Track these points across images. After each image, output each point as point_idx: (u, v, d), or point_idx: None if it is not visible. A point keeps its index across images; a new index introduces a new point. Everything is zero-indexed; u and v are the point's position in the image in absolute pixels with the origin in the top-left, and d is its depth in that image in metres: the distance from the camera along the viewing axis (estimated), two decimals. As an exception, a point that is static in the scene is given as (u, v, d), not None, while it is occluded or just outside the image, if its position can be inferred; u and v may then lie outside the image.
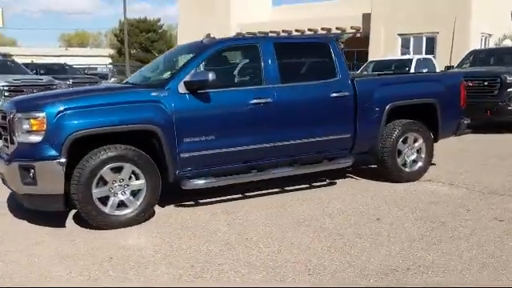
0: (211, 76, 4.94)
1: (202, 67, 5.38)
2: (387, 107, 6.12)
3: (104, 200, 4.74)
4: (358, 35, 26.47)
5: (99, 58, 49.36)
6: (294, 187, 6.13)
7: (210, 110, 5.15)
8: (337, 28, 26.27)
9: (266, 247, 4.22)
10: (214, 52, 5.41)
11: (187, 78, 5.03)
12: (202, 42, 5.68)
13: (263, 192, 5.93)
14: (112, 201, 4.76)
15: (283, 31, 28.26)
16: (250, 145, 5.36)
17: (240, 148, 5.31)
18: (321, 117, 5.78)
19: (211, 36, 5.92)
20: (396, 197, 5.76)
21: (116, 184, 4.76)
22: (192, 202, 5.60)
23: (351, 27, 26.03)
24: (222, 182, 5.36)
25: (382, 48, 24.80)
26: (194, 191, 5.47)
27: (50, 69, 20.80)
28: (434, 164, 6.97)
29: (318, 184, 6.35)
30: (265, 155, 5.52)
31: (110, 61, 49.11)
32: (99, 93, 5.34)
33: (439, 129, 6.65)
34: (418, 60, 14.54)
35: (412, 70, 13.93)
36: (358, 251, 4.12)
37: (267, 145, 5.46)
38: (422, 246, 4.21)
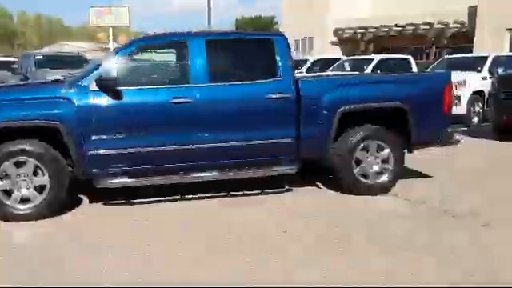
0: (115, 74, 4.87)
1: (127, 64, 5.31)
2: (338, 111, 5.52)
3: (9, 193, 4.91)
4: (464, 30, 24.28)
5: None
6: (240, 192, 5.79)
7: (121, 108, 5.07)
8: (438, 22, 24.38)
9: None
10: (134, 49, 5.31)
11: (98, 76, 5.01)
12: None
13: (199, 196, 5.70)
14: (16, 194, 4.92)
15: (382, 26, 27.00)
16: (167, 145, 5.18)
17: (157, 148, 5.16)
18: (253, 119, 5.40)
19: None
20: (337, 211, 5.21)
21: (20, 178, 4.91)
22: (122, 201, 5.56)
23: (454, 21, 23.96)
24: (138, 183, 5.26)
25: (490, 44, 22.47)
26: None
27: (67, 62, 19.29)
28: (430, 176, 6.40)
29: (271, 190, 5.94)
30: (188, 157, 5.31)
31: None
32: (15, 88, 5.54)
33: (412, 138, 5.85)
34: (496, 57, 12.82)
35: (485, 69, 12.36)
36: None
37: (189, 146, 5.24)
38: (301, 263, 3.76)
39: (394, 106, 5.74)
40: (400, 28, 26.32)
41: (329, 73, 13.80)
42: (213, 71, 5.33)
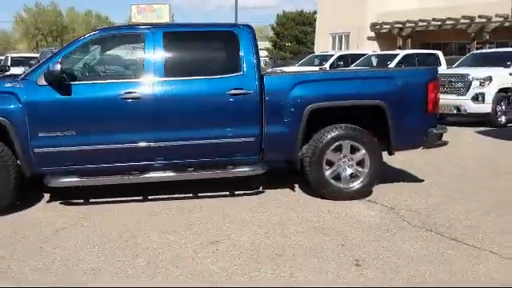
0: (62, 67, 4.64)
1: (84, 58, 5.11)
2: (307, 108, 5.09)
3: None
4: (507, 24, 22.92)
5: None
6: (207, 194, 5.49)
7: (70, 103, 4.84)
8: (479, 16, 23.11)
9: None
10: (86, 42, 5.07)
11: (46, 70, 4.80)
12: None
13: (163, 197, 5.42)
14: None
15: (420, 20, 25.90)
16: (119, 143, 4.92)
17: (108, 146, 4.90)
18: (212, 116, 5.05)
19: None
20: (298, 217, 4.80)
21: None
22: (81, 200, 5.36)
23: (496, 15, 22.66)
24: (89, 182, 5.03)
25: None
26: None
27: None
28: (421, 180, 5.87)
29: (241, 192, 5.59)
30: (142, 156, 5.03)
31: (265, 53, 50.64)
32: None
33: (391, 138, 5.34)
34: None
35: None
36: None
37: (142, 144, 4.96)
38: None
39: (370, 104, 5.26)
40: (439, 22, 25.12)
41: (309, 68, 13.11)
42: (169, 65, 5.02)
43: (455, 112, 11.48)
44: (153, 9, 43.39)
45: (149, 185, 5.41)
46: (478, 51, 13.81)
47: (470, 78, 11.25)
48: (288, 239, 4.20)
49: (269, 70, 22.78)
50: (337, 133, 5.22)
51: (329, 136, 5.21)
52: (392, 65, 14.05)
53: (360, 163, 5.33)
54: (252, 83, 5.06)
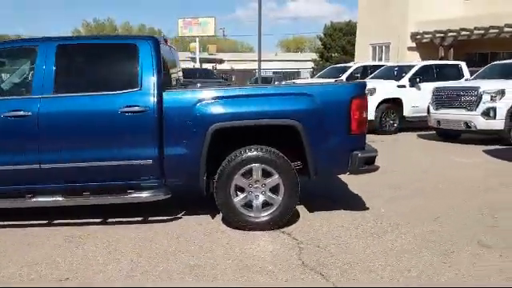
0: None
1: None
2: (210, 128, 4.59)
3: None
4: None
5: (302, 63, 50.69)
6: (120, 219, 5.10)
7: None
8: (525, 24, 21.47)
9: None
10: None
11: None
12: None
13: (67, 222, 5.06)
14: None
15: (462, 29, 24.46)
16: (3, 165, 4.62)
17: (-9, 167, 4.61)
18: (104, 136, 4.66)
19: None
20: (177, 250, 4.30)
21: None
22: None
23: (543, 23, 20.95)
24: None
25: None
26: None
27: (200, 73, 23.21)
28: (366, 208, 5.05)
29: (156, 218, 5.14)
30: (32, 178, 4.70)
31: (312, 65, 50.12)
32: None
33: (308, 162, 4.73)
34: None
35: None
36: None
37: (27, 167, 4.63)
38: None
39: (281, 124, 4.67)
40: (482, 31, 23.58)
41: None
42: (60, 80, 4.70)
43: (464, 128, 10.52)
44: (198, 22, 43.95)
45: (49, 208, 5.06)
46: (501, 62, 12.61)
47: (480, 91, 10.26)
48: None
49: (283, 83, 22.37)
50: (246, 155, 4.67)
51: (237, 158, 4.67)
52: (406, 77, 13.14)
53: (274, 190, 4.74)
54: (148, 100, 4.63)
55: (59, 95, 4.65)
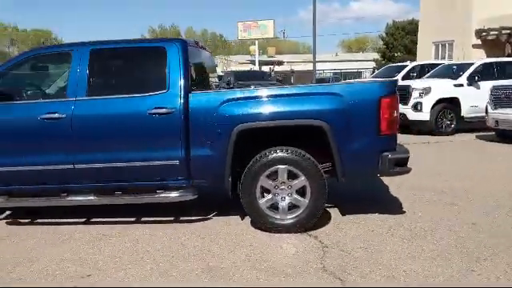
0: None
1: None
2: (235, 129, 4.57)
3: None
4: None
5: (364, 63, 49.78)
6: (151, 218, 5.21)
7: (-8, 123, 4.85)
8: None
9: None
10: (18, 62, 5.07)
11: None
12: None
13: (101, 220, 5.22)
14: None
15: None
16: (40, 165, 4.82)
17: (29, 168, 4.82)
18: (134, 137, 4.75)
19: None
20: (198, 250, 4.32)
21: None
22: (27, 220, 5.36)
23: None
24: (10, 204, 5.01)
25: None
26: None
27: (254, 75, 23.31)
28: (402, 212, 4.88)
29: (186, 218, 5.21)
30: (67, 178, 4.88)
31: (373, 65, 49.12)
32: None
33: (336, 164, 4.60)
34: None
35: None
36: None
37: (62, 167, 4.81)
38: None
39: (308, 125, 4.58)
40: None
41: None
42: (93, 84, 4.86)
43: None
44: (258, 25, 44.17)
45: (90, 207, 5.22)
46: None
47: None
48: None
49: (342, 81, 21.92)
50: (272, 156, 4.62)
51: (262, 160, 4.63)
52: (464, 76, 12.55)
53: (300, 192, 4.66)
54: (175, 101, 4.68)
55: (91, 98, 4.79)
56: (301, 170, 4.59)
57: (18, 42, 62.50)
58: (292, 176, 4.64)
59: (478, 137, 11.76)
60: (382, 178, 6.34)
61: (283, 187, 4.67)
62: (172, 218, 5.22)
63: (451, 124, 12.43)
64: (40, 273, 3.90)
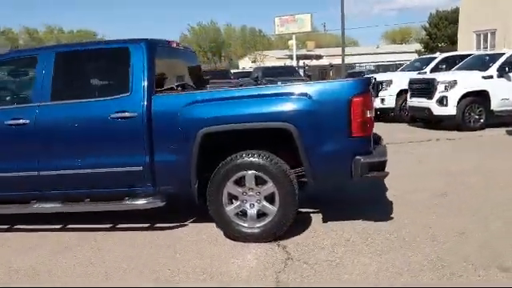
0: None
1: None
2: (200, 132, 4.31)
3: None
4: None
5: (406, 55, 48.38)
6: (125, 225, 5.05)
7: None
8: None
9: None
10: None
11: None
12: None
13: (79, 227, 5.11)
14: None
15: None
16: (7, 172, 4.74)
17: (-2, 175, 4.76)
18: (96, 143, 4.59)
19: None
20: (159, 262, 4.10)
21: None
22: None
23: None
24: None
25: None
26: None
27: (280, 71, 22.70)
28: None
29: (163, 225, 5.02)
30: (31, 185, 4.76)
31: (416, 56, 47.63)
32: None
33: (306, 167, 4.28)
34: None
35: None
36: None
37: (30, 173, 4.71)
38: None
39: (272, 127, 4.27)
40: None
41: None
42: (56, 88, 4.70)
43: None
44: (295, 19, 43.60)
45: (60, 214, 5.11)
46: None
47: None
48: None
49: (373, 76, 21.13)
50: (238, 161, 4.34)
51: (228, 165, 4.36)
52: (493, 67, 11.78)
53: (269, 199, 4.36)
54: (138, 105, 4.47)
55: (53, 103, 4.65)
56: (269, 175, 4.29)
57: (64, 44, 64.31)
58: (262, 181, 4.34)
59: (508, 132, 11.00)
60: (384, 180, 5.91)
61: (251, 194, 4.39)
62: (147, 225, 5.02)
63: (480, 119, 11.72)
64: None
